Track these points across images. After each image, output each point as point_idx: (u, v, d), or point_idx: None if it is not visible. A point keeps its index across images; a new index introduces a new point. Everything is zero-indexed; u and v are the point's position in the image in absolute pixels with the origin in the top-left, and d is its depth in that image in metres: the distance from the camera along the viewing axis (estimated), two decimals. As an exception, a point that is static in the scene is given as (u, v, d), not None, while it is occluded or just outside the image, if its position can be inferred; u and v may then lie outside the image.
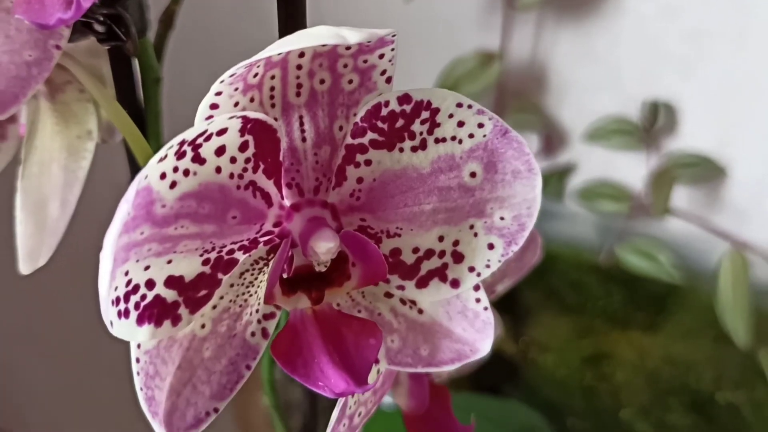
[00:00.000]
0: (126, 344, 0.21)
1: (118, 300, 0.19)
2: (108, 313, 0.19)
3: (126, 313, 0.19)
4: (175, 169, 0.19)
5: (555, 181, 0.84)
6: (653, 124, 0.77)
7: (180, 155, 0.19)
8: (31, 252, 0.26)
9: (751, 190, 0.80)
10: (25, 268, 0.26)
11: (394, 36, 0.20)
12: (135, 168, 0.30)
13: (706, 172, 0.79)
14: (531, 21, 0.76)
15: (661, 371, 0.75)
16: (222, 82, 0.19)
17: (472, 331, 0.24)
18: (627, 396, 0.74)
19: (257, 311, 0.23)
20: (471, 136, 0.22)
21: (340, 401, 0.24)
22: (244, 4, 0.53)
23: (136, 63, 0.28)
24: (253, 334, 0.23)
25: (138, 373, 0.21)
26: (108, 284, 0.18)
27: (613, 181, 0.81)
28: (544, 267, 0.84)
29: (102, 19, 0.25)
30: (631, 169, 0.80)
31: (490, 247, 0.24)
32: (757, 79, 0.74)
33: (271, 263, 0.22)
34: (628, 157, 0.80)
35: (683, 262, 0.78)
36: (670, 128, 0.78)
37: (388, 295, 0.24)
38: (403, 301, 0.24)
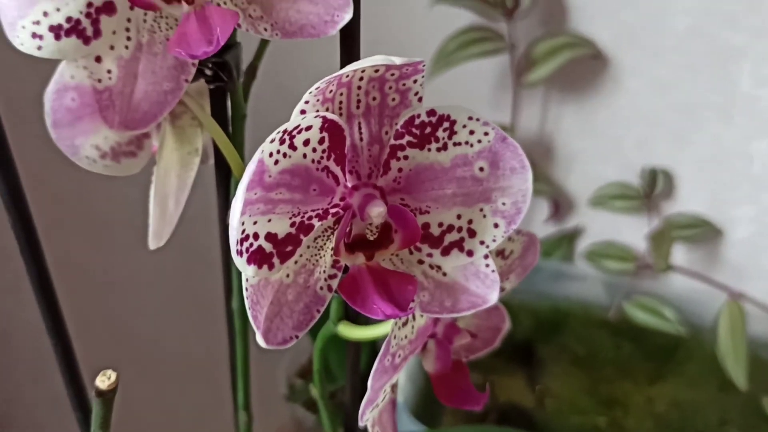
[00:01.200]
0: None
1: (236, 242, 0.28)
2: (233, 248, 0.28)
3: (240, 253, 0.28)
4: (278, 152, 0.28)
5: (565, 244, 0.93)
6: (653, 189, 0.86)
7: (281, 141, 0.28)
8: (157, 233, 0.35)
9: (747, 249, 0.88)
10: (152, 244, 0.35)
11: (424, 65, 0.30)
12: (223, 183, 0.40)
13: (704, 232, 0.87)
14: (538, 98, 0.87)
15: (669, 415, 0.81)
16: (310, 93, 0.29)
17: (483, 287, 0.33)
18: (638, 438, 0.80)
19: (324, 271, 0.32)
20: (479, 141, 0.32)
21: (385, 344, 0.33)
22: (312, 66, 0.64)
23: (228, 102, 0.38)
24: (321, 288, 0.32)
25: (247, 298, 0.30)
26: (236, 227, 0.27)
27: (618, 242, 0.89)
28: (558, 323, 0.92)
29: (211, 65, 0.35)
30: (635, 231, 0.88)
31: (495, 225, 0.32)
32: (744, 147, 0.83)
33: (336, 230, 0.31)
34: (631, 219, 0.88)
35: (687, 315, 0.85)
36: (669, 193, 0.88)
37: (420, 262, 0.33)
38: (431, 266, 0.33)
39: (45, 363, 1.29)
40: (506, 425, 0.85)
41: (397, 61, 0.28)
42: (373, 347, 0.67)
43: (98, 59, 0.31)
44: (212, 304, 0.66)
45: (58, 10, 0.29)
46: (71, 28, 0.29)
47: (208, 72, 0.35)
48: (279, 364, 0.98)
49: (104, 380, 0.31)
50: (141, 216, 0.89)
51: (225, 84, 0.36)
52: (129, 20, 0.31)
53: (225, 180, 0.39)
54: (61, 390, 1.16)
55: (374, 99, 0.30)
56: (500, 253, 0.39)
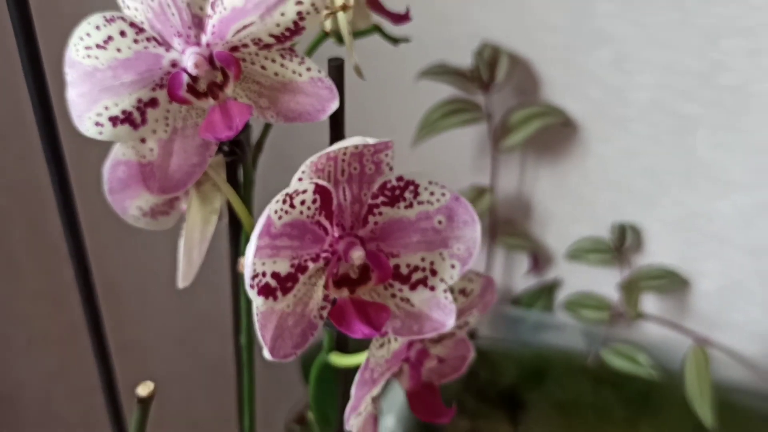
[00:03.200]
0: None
1: (250, 278, 0.38)
2: (247, 283, 0.38)
3: (252, 287, 0.38)
4: (281, 209, 0.38)
5: (545, 295, 1.03)
6: (623, 243, 0.96)
7: (284, 201, 0.38)
8: (185, 275, 0.45)
9: (714, 301, 0.97)
10: (181, 284, 0.45)
11: (392, 143, 0.40)
12: (235, 237, 0.50)
13: (673, 283, 0.97)
14: (515, 162, 0.98)
15: (645, 455, 0.89)
16: (305, 165, 0.39)
17: (443, 315, 0.43)
18: (615, 477, 0.88)
19: (317, 303, 0.42)
20: (438, 200, 0.42)
21: (365, 361, 0.42)
22: (305, 141, 0.75)
23: (239, 171, 0.48)
24: (315, 316, 0.42)
25: (257, 323, 0.39)
26: (250, 266, 0.37)
27: (594, 293, 0.99)
28: (540, 370, 1.01)
29: (228, 144, 0.46)
30: (609, 282, 0.98)
31: (452, 266, 0.43)
32: (706, 208, 0.93)
33: (327, 270, 0.41)
34: (605, 271, 0.98)
35: (661, 361, 0.94)
36: (638, 247, 0.98)
37: (393, 295, 0.43)
38: (401, 299, 0.43)
39: (51, 425, 1.39)
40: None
41: (371, 141, 0.38)
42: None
43: (143, 140, 0.41)
44: (222, 363, 0.76)
45: (116, 105, 0.40)
46: (125, 118, 0.40)
47: (226, 148, 0.46)
48: (279, 412, 1.07)
49: (144, 389, 0.40)
50: (151, 278, 1.00)
51: (239, 157, 0.46)
52: (168, 111, 0.41)
53: (236, 234, 0.49)
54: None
55: (355, 169, 0.41)
56: (462, 292, 0.48)
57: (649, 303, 0.99)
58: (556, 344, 1.00)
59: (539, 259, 1.02)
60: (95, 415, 1.26)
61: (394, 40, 0.54)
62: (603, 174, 0.95)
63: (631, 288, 0.92)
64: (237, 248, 0.50)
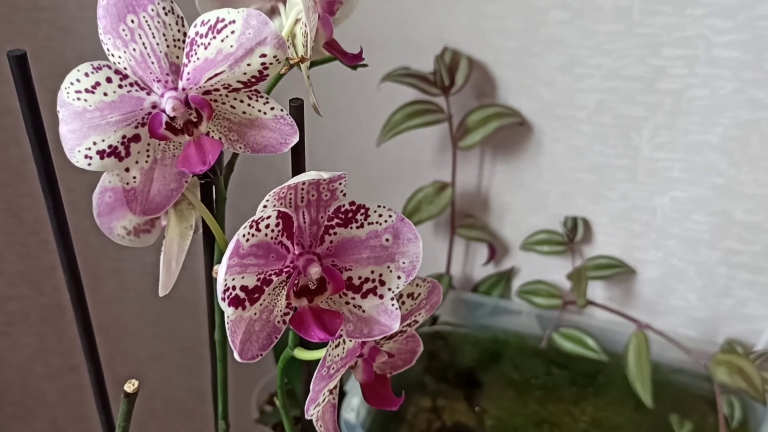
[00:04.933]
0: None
1: (221, 292, 0.44)
2: (218, 295, 0.44)
3: (224, 299, 0.45)
4: (248, 233, 0.45)
5: (503, 283, 1.10)
6: (574, 235, 1.04)
7: (250, 227, 0.45)
8: (164, 284, 0.52)
9: (656, 287, 1.05)
10: (161, 292, 0.52)
11: (344, 175, 0.47)
12: (209, 247, 0.56)
13: (620, 272, 1.05)
14: (474, 159, 1.04)
15: None
16: (270, 194, 0.45)
17: (390, 320, 0.49)
18: (561, 451, 0.96)
19: (280, 311, 0.49)
20: (386, 221, 0.49)
21: (322, 359, 0.49)
22: (269, 164, 0.82)
23: (213, 190, 0.55)
24: (278, 322, 0.49)
25: (228, 329, 0.46)
26: (221, 282, 0.44)
27: (547, 281, 1.07)
28: (497, 352, 1.09)
29: (202, 168, 0.52)
30: (561, 271, 1.06)
31: (398, 277, 0.49)
32: (648, 202, 1.01)
33: (288, 282, 0.48)
34: (558, 261, 1.06)
35: (608, 344, 1.02)
36: (588, 239, 1.05)
37: (347, 303, 0.50)
38: (354, 306, 0.50)
39: (31, 403, 1.46)
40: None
41: (325, 175, 0.45)
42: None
43: (127, 170, 0.48)
44: (197, 344, 0.82)
45: (103, 140, 0.46)
46: (111, 152, 0.46)
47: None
48: (251, 394, 1.14)
49: (130, 386, 0.47)
50: (128, 261, 1.06)
51: (211, 179, 0.52)
52: (149, 144, 0.47)
53: (210, 245, 0.56)
54: (45, 428, 1.33)
55: (313, 196, 0.47)
56: (410, 295, 0.55)
57: (598, 290, 1.07)
58: (511, 328, 1.08)
59: (496, 250, 1.09)
60: (73, 393, 1.33)
61: (353, 67, 0.60)
62: (555, 170, 1.02)
63: (579, 278, 0.99)
64: (211, 257, 0.57)
